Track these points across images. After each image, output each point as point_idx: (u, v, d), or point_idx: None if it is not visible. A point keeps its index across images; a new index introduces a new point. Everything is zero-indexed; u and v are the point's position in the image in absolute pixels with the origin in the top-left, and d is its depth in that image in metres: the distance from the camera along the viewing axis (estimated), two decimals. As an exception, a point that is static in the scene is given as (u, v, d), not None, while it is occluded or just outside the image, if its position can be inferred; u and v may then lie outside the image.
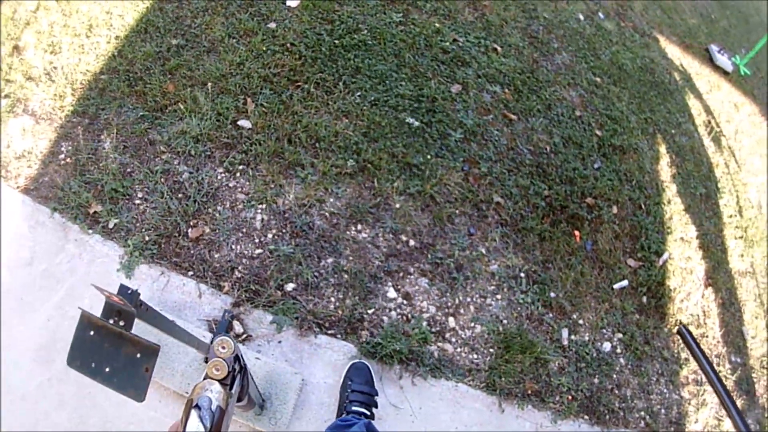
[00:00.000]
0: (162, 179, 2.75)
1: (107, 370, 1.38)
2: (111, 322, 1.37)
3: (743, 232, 4.20)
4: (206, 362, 2.32)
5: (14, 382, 2.31)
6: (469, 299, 2.87)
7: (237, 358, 1.51)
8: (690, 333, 3.16)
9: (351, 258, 2.77)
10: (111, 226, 2.61)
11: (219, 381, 1.36)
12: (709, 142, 4.64)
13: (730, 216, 4.23)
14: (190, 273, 2.58)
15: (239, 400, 1.74)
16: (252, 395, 1.97)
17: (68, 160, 2.76)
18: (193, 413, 1.20)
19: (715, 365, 3.39)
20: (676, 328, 3.23)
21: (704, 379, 3.31)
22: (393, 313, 2.71)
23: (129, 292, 1.36)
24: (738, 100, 5.61)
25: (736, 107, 5.47)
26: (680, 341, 3.32)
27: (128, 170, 2.77)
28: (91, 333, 1.39)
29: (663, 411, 3.11)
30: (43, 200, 2.63)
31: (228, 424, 1.33)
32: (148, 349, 1.39)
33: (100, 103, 2.94)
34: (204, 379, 1.39)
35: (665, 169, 4.09)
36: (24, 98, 2.89)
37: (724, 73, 5.76)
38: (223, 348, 1.46)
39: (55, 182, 2.68)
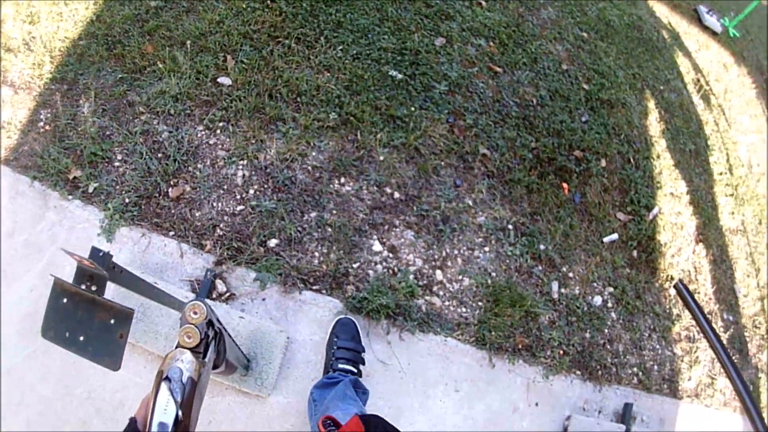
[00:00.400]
0: (141, 140, 2.70)
1: (81, 338, 1.33)
2: (83, 287, 1.32)
3: (734, 190, 4.19)
4: (190, 324, 2.29)
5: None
6: (456, 252, 2.84)
7: (210, 323, 1.45)
8: (687, 288, 3.14)
9: (335, 212, 2.73)
10: (91, 190, 2.56)
11: (191, 349, 1.30)
12: (698, 100, 4.61)
13: (720, 173, 4.22)
14: (171, 233, 2.54)
15: (215, 367, 1.67)
16: (232, 359, 1.91)
17: (47, 127, 2.70)
18: (163, 386, 1.14)
19: (709, 323, 3.38)
20: (674, 282, 3.20)
21: (697, 336, 3.30)
22: (379, 266, 2.67)
23: (101, 254, 1.31)
24: (727, 60, 5.59)
25: (725, 67, 5.45)
26: (675, 296, 3.29)
27: (107, 133, 2.71)
28: (64, 300, 1.34)
29: (656, 367, 3.11)
30: (23, 170, 2.58)
31: (202, 394, 1.28)
32: (122, 313, 1.33)
33: (78, 68, 2.89)
34: (176, 347, 1.33)
35: (654, 125, 4.05)
36: (3, 70, 2.82)
37: (713, 33, 5.74)
38: (195, 313, 1.39)
39: (35, 150, 2.62)
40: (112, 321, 1.33)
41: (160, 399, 1.13)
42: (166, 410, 1.12)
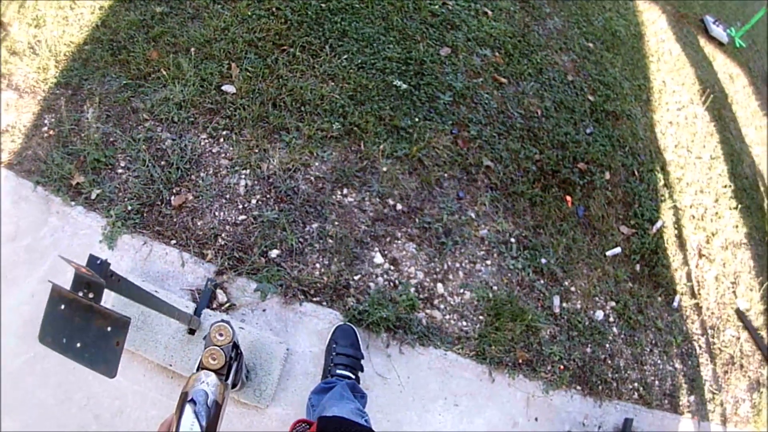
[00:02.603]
0: (144, 147, 2.69)
1: (78, 345, 1.34)
2: (80, 294, 1.32)
3: (738, 202, 4.15)
4: (190, 333, 2.28)
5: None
6: (458, 265, 2.82)
7: (235, 345, 1.45)
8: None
9: (337, 223, 2.72)
10: (93, 196, 2.56)
11: (215, 371, 1.29)
12: (703, 112, 4.58)
13: (725, 186, 4.19)
14: (173, 242, 2.53)
15: (233, 386, 1.66)
16: (242, 374, 1.91)
17: (51, 132, 2.70)
18: (188, 408, 1.14)
19: (709, 338, 3.36)
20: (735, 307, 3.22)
21: (698, 351, 3.29)
22: (380, 279, 2.66)
23: (98, 262, 1.31)
24: (733, 71, 5.56)
25: (731, 78, 5.42)
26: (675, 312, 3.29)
27: (111, 139, 2.71)
28: (62, 307, 1.35)
29: (657, 383, 3.09)
30: (26, 174, 2.58)
31: (223, 417, 1.27)
32: (119, 321, 1.34)
33: (83, 73, 2.88)
34: (198, 368, 1.32)
35: (659, 137, 4.04)
36: (8, 73, 2.82)
37: (719, 44, 5.71)
38: (221, 335, 1.39)
39: (38, 155, 2.62)
40: (109, 328, 1.33)
41: (185, 421, 1.12)
42: None
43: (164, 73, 2.90)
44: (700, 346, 3.32)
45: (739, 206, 4.15)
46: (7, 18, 2.97)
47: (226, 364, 1.33)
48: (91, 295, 1.33)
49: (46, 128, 2.71)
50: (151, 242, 2.51)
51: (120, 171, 2.64)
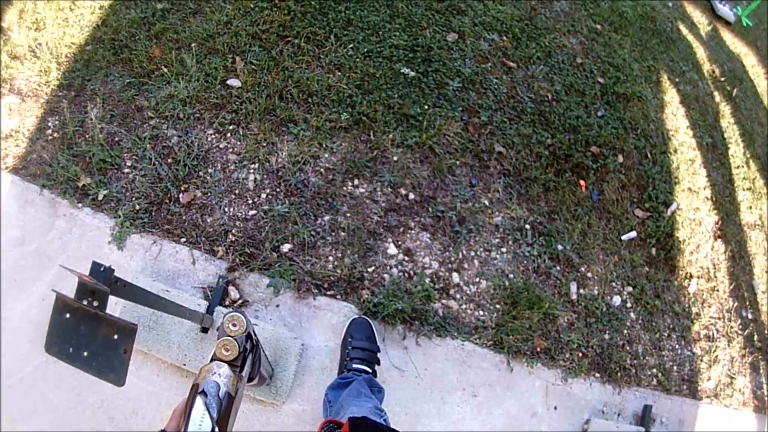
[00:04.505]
0: (150, 145, 2.68)
1: (85, 354, 1.32)
2: (85, 303, 1.30)
3: (751, 183, 4.11)
4: (203, 332, 2.25)
5: (11, 365, 2.29)
6: (473, 253, 2.79)
7: (249, 336, 1.41)
8: None
9: (348, 214, 2.69)
10: (100, 197, 2.55)
11: (228, 363, 1.26)
12: (713, 92, 4.52)
13: (738, 167, 4.14)
14: (183, 240, 2.51)
15: (250, 380, 1.63)
16: (264, 371, 1.88)
17: (55, 134, 2.69)
18: (199, 400, 1.10)
19: (726, 321, 3.32)
20: None
21: (716, 335, 3.25)
22: (394, 270, 2.63)
23: (101, 269, 1.29)
24: (741, 50, 5.50)
25: (739, 57, 5.36)
26: (691, 295, 3.25)
27: (116, 139, 2.70)
28: (67, 316, 1.33)
29: (675, 368, 3.06)
30: (31, 178, 2.57)
31: (237, 409, 1.23)
32: (125, 329, 1.32)
33: (85, 74, 2.87)
34: (211, 360, 1.29)
35: (670, 118, 3.98)
36: (9, 78, 2.82)
37: (726, 23, 5.64)
38: (234, 325, 1.36)
39: (43, 159, 2.61)
40: (116, 336, 1.32)
41: (195, 414, 1.08)
42: (201, 425, 1.07)
43: (167, 70, 2.87)
44: (717, 330, 3.28)
45: (752, 187, 4.09)
46: (6, 23, 2.96)
47: (240, 355, 1.30)
48: (95, 303, 1.31)
49: (50, 131, 2.70)
50: (160, 241, 2.49)
51: (126, 170, 2.63)
